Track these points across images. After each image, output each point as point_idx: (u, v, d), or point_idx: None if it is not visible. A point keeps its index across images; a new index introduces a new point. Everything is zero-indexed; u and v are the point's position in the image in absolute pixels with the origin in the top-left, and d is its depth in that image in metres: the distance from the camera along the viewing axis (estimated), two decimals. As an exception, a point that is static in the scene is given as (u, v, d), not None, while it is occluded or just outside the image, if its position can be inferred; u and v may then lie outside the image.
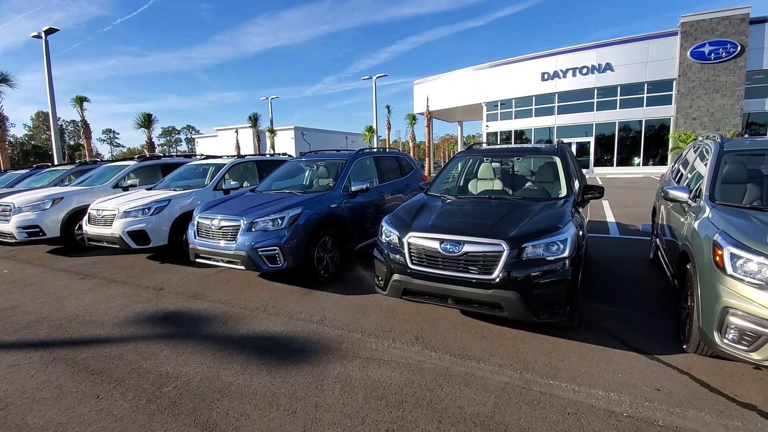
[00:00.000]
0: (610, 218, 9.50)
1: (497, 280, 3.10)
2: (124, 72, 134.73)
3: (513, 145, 6.55)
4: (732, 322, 2.49)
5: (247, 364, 3.22)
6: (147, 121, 28.32)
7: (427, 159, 34.41)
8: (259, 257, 4.70)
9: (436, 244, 3.36)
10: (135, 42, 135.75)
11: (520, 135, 32.90)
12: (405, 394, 2.73)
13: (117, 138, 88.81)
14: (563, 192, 4.19)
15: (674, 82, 25.81)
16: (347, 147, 43.28)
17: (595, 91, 28.70)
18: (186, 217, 6.57)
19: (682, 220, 3.68)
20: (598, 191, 4.25)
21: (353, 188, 5.75)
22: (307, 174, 7.02)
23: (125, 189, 8.31)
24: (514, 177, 5.14)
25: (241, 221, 4.87)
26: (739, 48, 23.67)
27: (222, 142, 53.72)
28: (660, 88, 26.65)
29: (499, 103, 33.67)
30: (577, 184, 4.55)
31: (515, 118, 33.11)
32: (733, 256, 2.56)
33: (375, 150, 7.50)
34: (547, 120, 31.28)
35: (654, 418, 2.42)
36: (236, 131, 45.99)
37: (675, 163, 5.64)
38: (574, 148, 29.88)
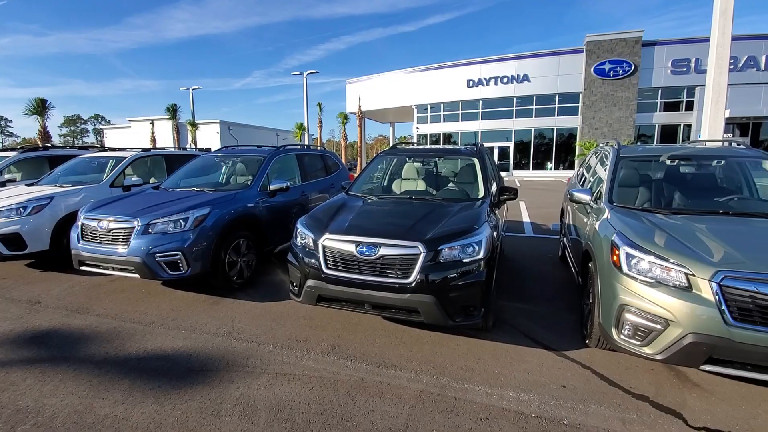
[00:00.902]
0: (526, 218, 10.11)
1: (414, 283, 3.00)
2: (22, 52, 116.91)
3: (435, 146, 6.59)
4: (627, 318, 2.63)
5: (131, 391, 2.76)
6: (40, 107, 24.68)
7: (359, 159, 34.36)
8: (156, 264, 4.16)
9: (352, 247, 3.19)
10: (34, 19, 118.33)
11: (449, 138, 34.19)
12: (314, 413, 2.50)
13: (9, 126, 76.86)
14: (480, 193, 4.25)
15: (580, 95, 28.53)
16: (278, 144, 41.42)
17: (514, 99, 30.74)
18: (74, 218, 5.68)
19: (585, 220, 3.90)
20: (512, 193, 4.37)
21: (272, 187, 5.37)
22: (223, 171, 6.46)
23: (2, 184, 7.02)
24: (437, 177, 5.14)
25: (136, 222, 4.28)
26: (633, 67, 26.83)
27: (136, 135, 48.73)
28: (569, 99, 29.29)
29: (428, 106, 34.66)
30: (494, 185, 4.65)
31: (444, 121, 34.32)
32: (628, 255, 2.71)
33: (298, 147, 7.15)
34: (472, 125, 32.86)
35: (560, 417, 2.46)
36: (152, 123, 42.03)
37: (580, 168, 6.08)
38: (495, 152, 31.81)
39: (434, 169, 5.30)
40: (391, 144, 51.65)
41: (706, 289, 2.35)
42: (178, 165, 7.35)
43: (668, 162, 3.92)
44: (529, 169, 31.41)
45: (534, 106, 30.51)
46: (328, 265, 3.26)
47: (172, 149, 9.22)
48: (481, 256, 3.12)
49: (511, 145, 31.67)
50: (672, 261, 2.51)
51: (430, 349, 3.33)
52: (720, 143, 5.26)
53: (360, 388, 2.77)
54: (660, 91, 27.35)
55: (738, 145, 4.34)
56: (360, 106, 33.54)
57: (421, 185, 4.85)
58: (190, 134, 38.18)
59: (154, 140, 38.60)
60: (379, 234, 3.22)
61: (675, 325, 2.40)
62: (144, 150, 7.93)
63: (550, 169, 30.82)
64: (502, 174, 31.56)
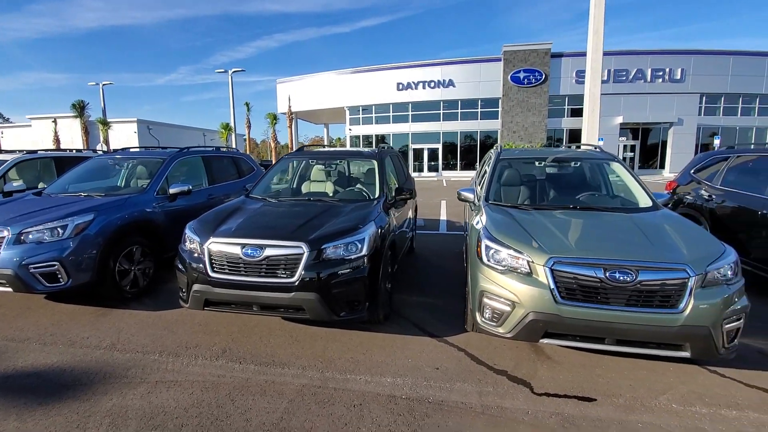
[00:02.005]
0: (444, 216, 10.68)
1: (298, 282, 3.11)
2: None
3: (339, 149, 6.75)
4: (486, 303, 2.97)
5: (-15, 413, 2.55)
6: None
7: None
8: (31, 276, 3.83)
9: (237, 250, 3.23)
10: None
11: (382, 139, 34.80)
12: (189, 416, 2.50)
13: None
14: (376, 194, 4.46)
15: (500, 101, 30.60)
16: (205, 144, 39.14)
17: (441, 103, 32.15)
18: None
19: (471, 217, 4.29)
20: (409, 193, 4.66)
21: (171, 190, 5.17)
22: (122, 174, 6.06)
23: None
24: (341, 179, 5.28)
25: (6, 232, 3.90)
26: (543, 76, 29.35)
27: (36, 134, 43.39)
28: (490, 104, 31.28)
29: (360, 108, 35.01)
30: (394, 186, 4.91)
31: (375, 123, 34.88)
32: (487, 247, 3.06)
33: (209, 149, 6.93)
34: (403, 127, 33.76)
35: (426, 396, 2.71)
36: (54, 121, 37.74)
37: (480, 168, 6.61)
38: (426, 154, 33.07)
39: (338, 171, 5.44)
40: (325, 145, 51.23)
41: (542, 273, 2.74)
42: (71, 169, 6.77)
43: (537, 164, 4.45)
44: (456, 169, 32.98)
45: (459, 110, 32.14)
46: (214, 269, 3.27)
47: (73, 151, 8.42)
48: (363, 253, 3.29)
49: (440, 146, 33.05)
50: (519, 251, 2.89)
51: (322, 345, 3.46)
52: (585, 147, 6.04)
53: (243, 388, 2.82)
54: (567, 99, 30.20)
55: (595, 148, 5.03)
56: (290, 107, 32.99)
57: (324, 187, 4.97)
58: (101, 134, 34.82)
59: (57, 140, 34.68)
60: (264, 235, 3.28)
61: (519, 306, 2.76)
62: (29, 152, 7.18)
63: (476, 169, 32.64)
64: (432, 174, 33.09)
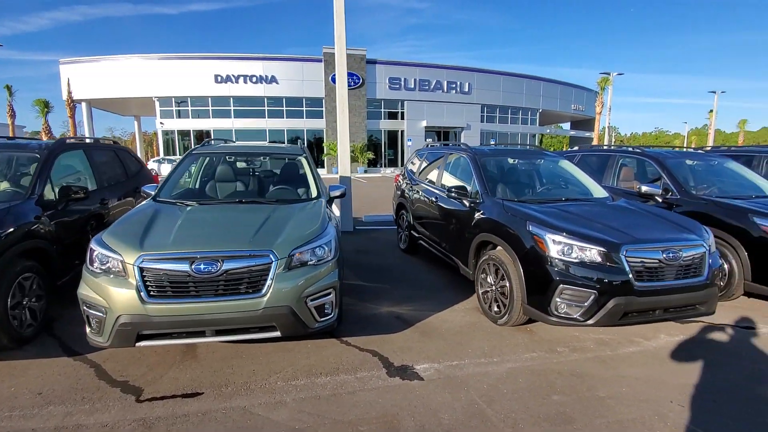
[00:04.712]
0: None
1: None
2: None
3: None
4: (86, 311, 2.73)
5: None
6: None
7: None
8: None
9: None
10: None
11: (205, 135, 31.77)
12: None
13: None
14: (314, 192, 4.11)
15: (323, 100, 31.42)
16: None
17: (265, 99, 31.22)
18: None
19: None
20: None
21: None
22: None
23: None
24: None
25: None
26: (361, 80, 31.29)
27: None
28: (315, 104, 31.84)
29: (173, 99, 31.30)
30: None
31: (193, 117, 31.73)
32: (91, 250, 2.82)
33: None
34: (225, 122, 31.57)
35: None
36: None
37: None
38: (251, 152, 31.61)
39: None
40: (137, 139, 44.31)
41: (132, 273, 2.62)
42: None
43: (227, 158, 4.55)
44: (285, 168, 32.55)
45: (285, 108, 31.77)
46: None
47: None
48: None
49: (267, 144, 32.06)
50: (116, 252, 2.70)
51: None
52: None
53: None
54: (383, 102, 32.97)
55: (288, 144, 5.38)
56: (70, 93, 27.11)
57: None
58: None
59: None
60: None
61: (110, 311, 2.59)
62: None
63: (304, 167, 32.84)
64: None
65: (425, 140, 33.74)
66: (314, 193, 4.11)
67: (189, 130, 31.83)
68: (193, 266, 2.62)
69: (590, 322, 3.08)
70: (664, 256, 3.11)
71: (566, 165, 5.05)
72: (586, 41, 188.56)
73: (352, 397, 2.67)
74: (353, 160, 32.28)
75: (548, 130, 47.33)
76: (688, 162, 5.43)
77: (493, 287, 3.78)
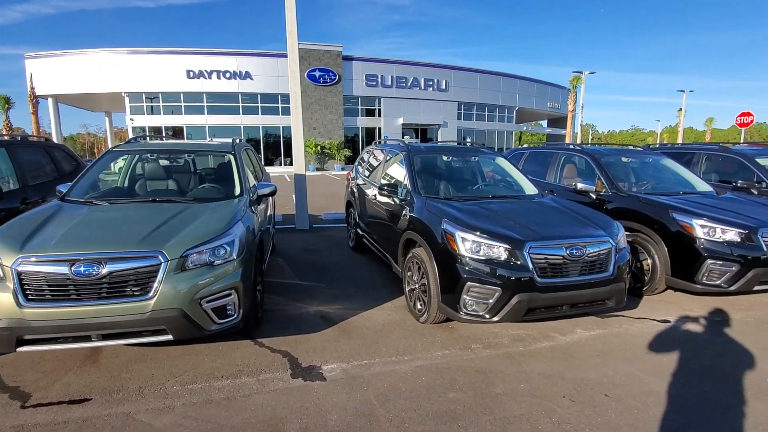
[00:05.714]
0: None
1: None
2: None
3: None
4: None
5: None
6: None
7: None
8: None
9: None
10: None
11: (179, 132, 31.04)
12: None
13: None
14: (237, 191, 4.00)
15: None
16: None
17: (240, 96, 30.67)
18: None
19: None
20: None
21: None
22: None
23: None
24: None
25: None
26: (337, 77, 31.04)
27: None
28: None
29: (144, 95, 30.47)
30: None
31: (164, 113, 30.95)
32: None
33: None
34: (199, 118, 30.88)
35: None
36: None
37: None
38: (226, 149, 31.02)
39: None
40: (108, 136, 43.06)
41: (10, 276, 2.50)
42: None
43: (150, 156, 4.41)
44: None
45: (260, 104, 31.26)
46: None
47: None
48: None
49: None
50: None
51: None
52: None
53: None
54: (360, 99, 32.78)
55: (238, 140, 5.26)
56: (33, 88, 26.13)
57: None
58: None
59: None
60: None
61: (-18, 316, 2.46)
62: None
63: (280, 164, 32.44)
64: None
65: (402, 137, 33.76)
66: (237, 192, 4.00)
67: (161, 127, 31.04)
68: (72, 268, 2.51)
69: (495, 318, 3.10)
70: (568, 252, 3.14)
71: (502, 162, 5.08)
72: (566, 40, 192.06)
73: (245, 401, 2.62)
74: (330, 157, 32.12)
75: (525, 128, 47.96)
76: (624, 159, 5.54)
77: (417, 285, 3.77)
